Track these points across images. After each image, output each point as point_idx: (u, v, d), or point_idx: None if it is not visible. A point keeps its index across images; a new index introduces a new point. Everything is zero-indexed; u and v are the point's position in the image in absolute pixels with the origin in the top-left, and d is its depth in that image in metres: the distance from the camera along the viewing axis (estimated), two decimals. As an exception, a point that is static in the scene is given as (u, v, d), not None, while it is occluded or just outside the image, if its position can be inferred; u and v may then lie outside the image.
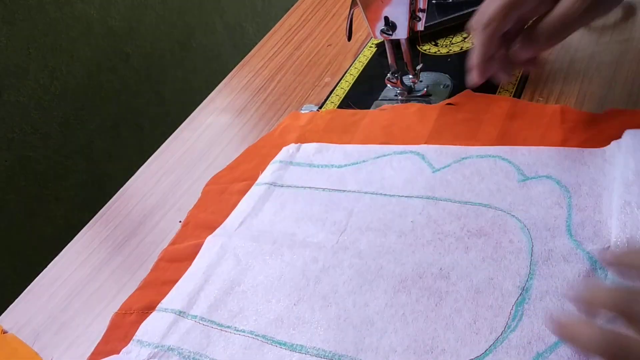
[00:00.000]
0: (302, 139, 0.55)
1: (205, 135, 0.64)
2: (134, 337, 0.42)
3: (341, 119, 0.56)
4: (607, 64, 0.51)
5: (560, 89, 0.51)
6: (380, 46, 0.67)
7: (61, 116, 0.96)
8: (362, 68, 0.64)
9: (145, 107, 1.13)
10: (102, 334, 0.43)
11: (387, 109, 0.55)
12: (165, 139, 0.66)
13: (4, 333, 0.48)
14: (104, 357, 0.41)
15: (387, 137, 0.51)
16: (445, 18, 0.63)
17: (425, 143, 0.49)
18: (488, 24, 0.41)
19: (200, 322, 0.41)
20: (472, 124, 0.49)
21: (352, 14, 0.55)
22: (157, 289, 0.45)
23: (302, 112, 0.61)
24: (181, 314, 0.42)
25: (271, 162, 0.54)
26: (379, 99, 0.58)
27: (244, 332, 0.39)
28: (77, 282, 0.50)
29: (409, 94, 0.57)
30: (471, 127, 0.49)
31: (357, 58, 0.66)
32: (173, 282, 0.45)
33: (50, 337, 0.46)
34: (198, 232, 0.50)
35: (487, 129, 0.48)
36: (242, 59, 0.76)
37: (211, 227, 0.49)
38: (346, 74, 0.64)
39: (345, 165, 0.50)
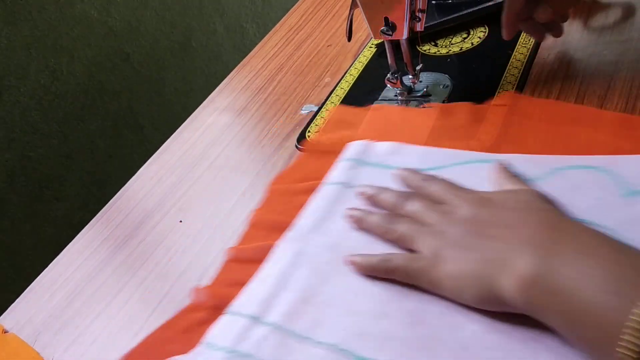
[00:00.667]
0: (356, 136, 0.53)
1: (206, 136, 0.64)
2: (203, 340, 0.39)
3: (390, 116, 0.54)
4: (607, 64, 0.52)
5: (560, 89, 0.51)
6: (380, 46, 0.67)
7: (61, 116, 0.97)
8: (362, 68, 0.64)
9: (145, 107, 1.13)
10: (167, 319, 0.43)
11: (434, 107, 0.53)
12: (166, 139, 0.66)
13: (4, 333, 0.48)
14: (161, 342, 0.41)
15: (436, 139, 0.48)
16: (445, 18, 0.63)
17: (490, 149, 0.46)
18: None
19: (277, 330, 0.38)
20: (542, 131, 0.45)
21: (352, 15, 0.55)
22: (227, 290, 0.43)
23: (302, 112, 0.61)
24: (255, 319, 0.39)
25: (339, 159, 0.51)
26: (379, 99, 0.58)
27: (324, 344, 0.37)
28: (78, 282, 0.50)
29: (409, 94, 0.57)
30: (542, 135, 0.45)
31: (357, 58, 0.66)
32: (242, 284, 0.43)
33: (51, 337, 0.46)
34: (265, 233, 0.47)
35: (560, 137, 0.44)
36: (242, 59, 0.76)
37: (279, 229, 0.46)
38: (346, 74, 0.64)
39: (423, 170, 0.46)
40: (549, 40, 0.56)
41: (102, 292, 0.48)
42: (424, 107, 0.54)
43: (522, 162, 0.43)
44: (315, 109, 0.61)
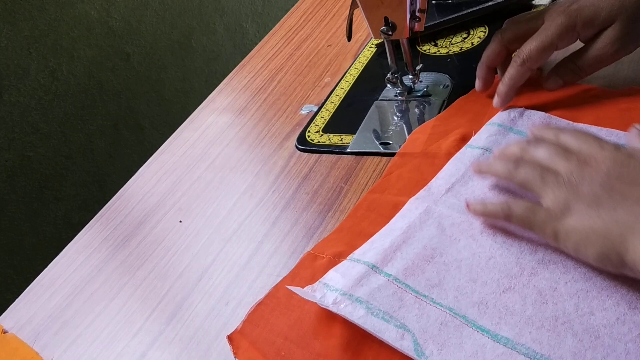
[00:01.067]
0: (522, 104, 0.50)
1: (206, 135, 0.64)
2: (320, 279, 0.39)
3: (569, 91, 0.50)
4: (607, 64, 0.51)
5: (560, 89, 0.51)
6: (380, 46, 0.67)
7: (61, 116, 0.97)
8: (362, 68, 0.64)
9: (145, 107, 1.13)
10: (291, 270, 0.43)
11: (624, 91, 0.48)
12: (166, 139, 0.66)
13: (4, 333, 0.48)
14: (290, 293, 0.40)
15: (625, 123, 0.43)
16: (445, 18, 0.63)
17: None
18: (526, 61, 0.46)
19: (394, 282, 0.37)
20: None
21: (352, 15, 0.55)
22: (352, 238, 0.43)
23: (302, 112, 0.61)
24: (374, 268, 0.39)
25: (488, 123, 0.48)
26: (379, 99, 0.58)
27: (441, 306, 0.35)
28: (78, 282, 0.50)
29: (409, 94, 0.57)
30: None
31: (357, 58, 0.66)
32: (369, 234, 0.42)
33: (51, 337, 0.46)
34: (400, 186, 0.46)
35: None
36: (242, 59, 0.76)
37: (416, 184, 0.45)
38: (346, 74, 0.64)
39: None
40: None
41: (102, 292, 0.48)
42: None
43: None
44: (315, 109, 0.61)
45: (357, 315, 0.36)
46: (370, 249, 0.41)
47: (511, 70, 0.46)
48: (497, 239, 0.38)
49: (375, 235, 0.42)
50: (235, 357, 0.38)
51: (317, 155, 0.54)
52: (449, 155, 0.47)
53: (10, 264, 0.93)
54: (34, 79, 0.91)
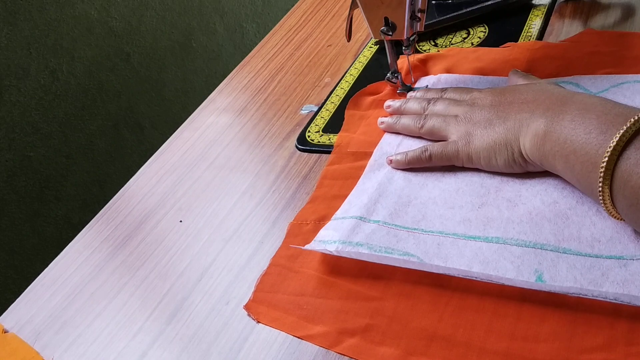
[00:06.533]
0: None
1: (206, 135, 0.64)
2: (315, 238, 0.42)
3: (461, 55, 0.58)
4: (607, 64, 0.51)
5: (560, 89, 0.51)
6: (380, 46, 0.67)
7: (62, 116, 0.97)
8: (362, 68, 0.64)
9: (145, 107, 1.13)
10: (282, 241, 0.46)
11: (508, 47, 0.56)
12: (166, 139, 0.66)
13: (4, 332, 0.48)
14: (290, 259, 0.43)
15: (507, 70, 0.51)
16: (445, 17, 0.63)
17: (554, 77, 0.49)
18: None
19: (384, 225, 0.41)
20: (606, 57, 0.49)
21: (352, 15, 0.55)
22: (328, 203, 0.46)
23: (302, 112, 0.61)
24: (362, 219, 0.42)
25: (416, 86, 0.55)
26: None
27: (432, 232, 0.40)
28: (78, 282, 0.50)
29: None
30: (604, 60, 0.49)
31: (357, 58, 0.66)
32: (342, 196, 0.46)
33: (51, 337, 0.46)
34: (354, 153, 0.51)
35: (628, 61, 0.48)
36: (242, 59, 0.76)
37: (368, 147, 0.50)
38: (346, 74, 0.64)
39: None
40: (549, 40, 0.56)
41: (102, 292, 0.48)
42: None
43: (587, 79, 0.47)
44: (315, 109, 0.61)
45: (362, 254, 0.39)
46: (350, 207, 0.44)
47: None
48: (458, 175, 0.44)
49: (349, 196, 0.46)
50: (258, 322, 0.40)
51: (317, 155, 0.54)
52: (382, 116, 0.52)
53: (11, 264, 0.93)
54: (34, 79, 0.91)
